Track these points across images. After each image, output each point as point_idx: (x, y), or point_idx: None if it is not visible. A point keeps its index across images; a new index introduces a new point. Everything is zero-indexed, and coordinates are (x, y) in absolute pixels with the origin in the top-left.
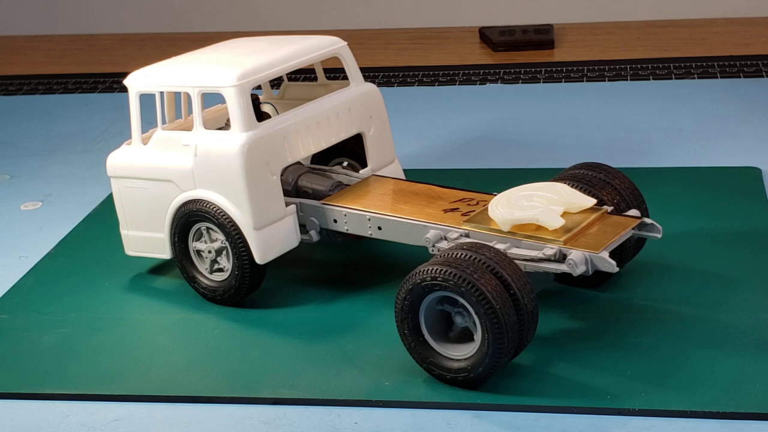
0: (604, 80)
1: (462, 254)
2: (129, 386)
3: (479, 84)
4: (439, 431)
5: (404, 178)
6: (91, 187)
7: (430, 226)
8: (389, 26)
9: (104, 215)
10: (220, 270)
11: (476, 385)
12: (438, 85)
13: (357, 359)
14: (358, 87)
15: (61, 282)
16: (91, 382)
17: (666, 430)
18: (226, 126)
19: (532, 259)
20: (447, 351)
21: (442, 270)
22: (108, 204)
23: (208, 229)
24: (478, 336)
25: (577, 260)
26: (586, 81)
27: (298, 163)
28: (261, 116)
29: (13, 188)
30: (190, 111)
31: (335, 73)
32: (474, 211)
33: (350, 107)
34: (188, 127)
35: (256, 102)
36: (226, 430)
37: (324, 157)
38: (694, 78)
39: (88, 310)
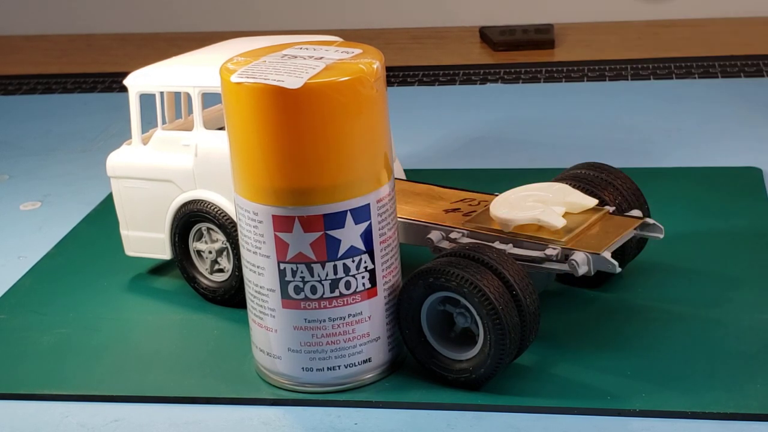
0: (605, 80)
1: (464, 255)
2: (129, 386)
3: (479, 84)
4: None
5: (405, 178)
6: (91, 187)
7: (431, 226)
8: (389, 26)
9: (104, 215)
10: (221, 270)
11: (478, 386)
12: (438, 85)
13: None
14: None
15: (60, 282)
16: (90, 383)
17: (666, 430)
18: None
19: (534, 260)
20: (448, 352)
21: (443, 271)
22: (108, 204)
23: (208, 229)
24: (480, 337)
25: (579, 261)
26: (587, 81)
27: None
28: None
29: (13, 188)
30: (190, 111)
31: None
32: (475, 211)
33: None
34: (188, 127)
35: None
36: (226, 430)
37: None
38: (695, 78)
39: (87, 310)
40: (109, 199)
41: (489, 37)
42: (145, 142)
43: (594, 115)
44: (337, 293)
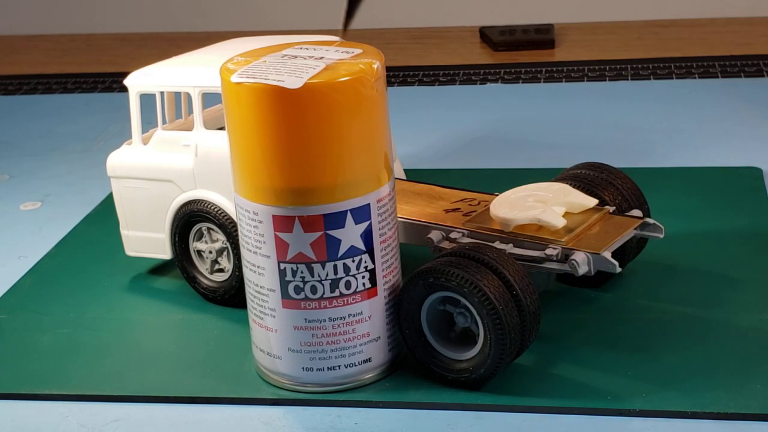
0: (605, 80)
1: (464, 254)
2: (129, 386)
3: (480, 84)
4: None
5: (405, 178)
6: (91, 187)
7: (431, 226)
8: (389, 26)
9: (104, 215)
10: (221, 270)
11: (478, 386)
12: (438, 85)
13: None
14: None
15: (60, 282)
16: (90, 383)
17: (666, 430)
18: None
19: (534, 260)
20: (449, 352)
21: (444, 270)
22: (108, 204)
23: (208, 229)
24: (480, 337)
25: (579, 260)
26: (587, 81)
27: None
28: None
29: (13, 188)
30: (190, 111)
31: None
32: (475, 211)
33: None
34: (188, 127)
35: None
36: (226, 430)
37: None
38: (695, 78)
39: (87, 310)
40: (109, 199)
41: (489, 37)
42: (145, 142)
43: (594, 115)
44: (337, 293)
